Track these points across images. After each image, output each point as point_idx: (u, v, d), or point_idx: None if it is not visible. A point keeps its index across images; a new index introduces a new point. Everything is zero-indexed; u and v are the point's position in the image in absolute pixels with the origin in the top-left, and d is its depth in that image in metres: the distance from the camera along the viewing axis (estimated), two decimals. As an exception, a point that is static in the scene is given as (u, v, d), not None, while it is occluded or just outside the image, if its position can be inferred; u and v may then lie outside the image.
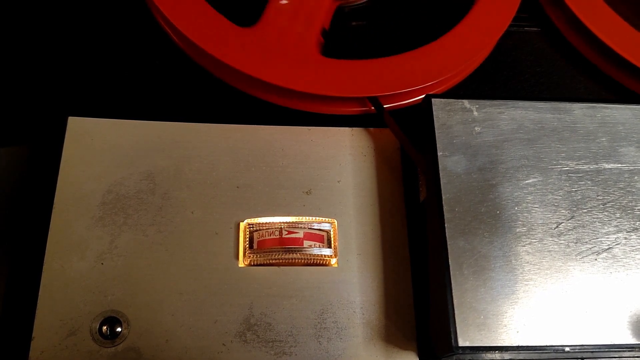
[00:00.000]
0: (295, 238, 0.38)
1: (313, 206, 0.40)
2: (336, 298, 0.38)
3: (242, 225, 0.39)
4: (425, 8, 0.52)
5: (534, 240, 0.36)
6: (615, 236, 0.36)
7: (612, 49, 0.48)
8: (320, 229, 0.39)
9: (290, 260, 0.38)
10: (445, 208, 0.36)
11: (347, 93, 0.42)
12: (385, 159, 0.42)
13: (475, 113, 0.39)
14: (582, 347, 0.34)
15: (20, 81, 0.45)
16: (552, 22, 0.52)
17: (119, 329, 0.36)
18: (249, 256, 0.38)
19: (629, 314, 0.35)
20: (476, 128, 0.39)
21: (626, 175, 0.38)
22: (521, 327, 0.33)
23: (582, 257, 0.36)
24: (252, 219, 0.39)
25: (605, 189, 0.38)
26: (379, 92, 0.42)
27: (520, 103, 0.40)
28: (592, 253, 0.36)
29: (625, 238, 0.36)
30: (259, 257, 0.38)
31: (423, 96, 0.40)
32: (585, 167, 0.38)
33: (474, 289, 0.34)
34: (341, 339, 0.37)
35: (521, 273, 0.35)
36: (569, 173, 0.38)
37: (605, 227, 0.37)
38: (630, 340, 0.34)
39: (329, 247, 0.39)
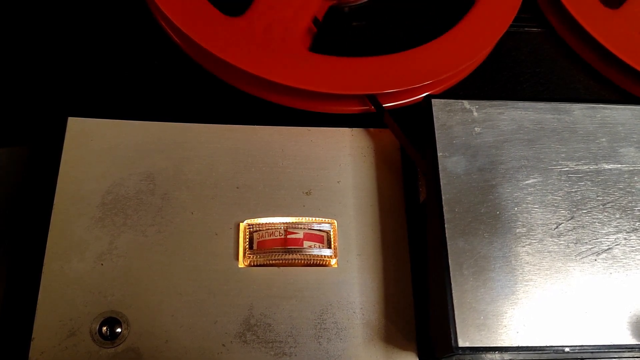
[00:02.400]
0: (295, 239, 0.38)
1: (313, 207, 0.40)
2: (336, 299, 0.38)
3: (241, 225, 0.39)
4: (426, 7, 0.52)
5: (534, 241, 0.36)
6: (615, 237, 0.36)
7: (610, 51, 0.47)
8: (320, 230, 0.39)
9: (290, 261, 0.38)
10: (445, 208, 0.36)
11: (347, 90, 0.42)
12: (385, 160, 0.42)
13: (475, 113, 0.39)
14: (582, 348, 0.34)
15: (20, 81, 0.45)
16: (552, 25, 0.52)
17: (118, 330, 0.36)
18: (249, 257, 0.38)
19: (628, 315, 0.35)
20: (476, 128, 0.39)
21: (626, 176, 0.38)
22: (521, 327, 0.33)
23: (582, 258, 0.36)
24: (252, 220, 0.39)
25: (605, 189, 0.38)
26: (378, 89, 0.42)
27: (520, 103, 0.40)
28: (592, 254, 0.36)
29: (625, 239, 0.36)
30: (259, 257, 0.38)
31: (423, 96, 0.40)
32: (585, 167, 0.38)
33: (474, 289, 0.34)
34: (341, 339, 0.37)
35: (521, 273, 0.35)
36: (568, 174, 0.38)
37: (605, 228, 0.37)
38: (630, 340, 0.34)
39: (329, 247, 0.39)
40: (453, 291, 0.34)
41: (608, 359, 0.36)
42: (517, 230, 0.36)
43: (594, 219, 0.37)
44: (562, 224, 0.36)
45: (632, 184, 0.38)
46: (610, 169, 0.38)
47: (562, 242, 0.36)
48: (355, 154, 0.42)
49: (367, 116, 0.44)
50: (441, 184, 0.36)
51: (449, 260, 0.34)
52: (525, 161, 0.38)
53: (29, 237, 0.38)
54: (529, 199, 0.37)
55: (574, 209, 0.37)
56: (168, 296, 0.37)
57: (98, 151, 0.40)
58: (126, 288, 0.37)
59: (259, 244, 0.38)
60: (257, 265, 0.38)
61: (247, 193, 0.40)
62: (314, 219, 0.40)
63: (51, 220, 0.38)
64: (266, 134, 0.42)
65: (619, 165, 0.38)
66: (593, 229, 0.36)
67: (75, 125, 0.41)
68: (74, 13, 0.48)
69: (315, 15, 0.46)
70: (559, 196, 0.37)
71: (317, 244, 0.39)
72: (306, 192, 0.41)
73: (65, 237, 0.38)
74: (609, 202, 0.37)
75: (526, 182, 0.37)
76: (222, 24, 0.43)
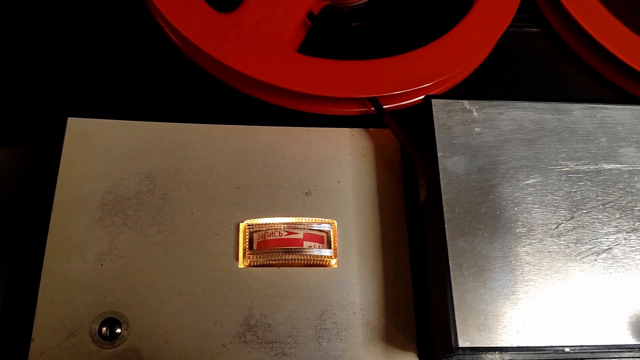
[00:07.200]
0: (295, 239, 0.38)
1: (313, 207, 0.40)
2: (336, 299, 0.38)
3: (241, 226, 0.39)
4: (425, 8, 0.52)
5: (534, 241, 0.36)
6: (614, 237, 0.36)
7: (610, 51, 0.48)
8: (320, 230, 0.39)
9: (290, 261, 0.38)
10: (445, 208, 0.36)
11: (347, 94, 0.42)
12: (385, 160, 0.42)
13: (475, 114, 0.39)
14: (582, 348, 0.34)
15: (21, 82, 0.45)
16: (551, 25, 0.52)
17: (118, 330, 0.36)
18: (249, 257, 0.38)
19: (628, 315, 0.35)
20: (476, 129, 0.39)
21: (626, 176, 0.38)
22: (521, 327, 0.33)
23: (582, 258, 0.36)
24: (252, 220, 0.39)
25: (604, 189, 0.38)
26: (378, 92, 0.42)
27: (520, 104, 0.40)
28: (592, 254, 0.36)
29: (625, 239, 0.36)
30: (259, 257, 0.38)
31: (423, 97, 0.40)
32: (585, 167, 0.38)
33: (474, 289, 0.34)
34: (341, 339, 0.37)
35: (521, 274, 0.35)
36: (568, 173, 0.38)
37: (605, 228, 0.37)
38: (630, 340, 0.34)
39: (329, 247, 0.39)
40: (453, 291, 0.34)
41: (608, 359, 0.36)
42: (517, 230, 0.36)
43: (593, 219, 0.37)
44: (562, 224, 0.36)
45: (631, 184, 0.38)
46: (610, 169, 0.38)
47: (562, 242, 0.36)
48: (355, 154, 0.42)
49: (367, 116, 0.44)
50: (441, 184, 0.36)
51: (449, 260, 0.34)
52: (525, 161, 0.38)
53: (29, 237, 0.38)
54: (529, 199, 0.37)
55: (574, 209, 0.37)
56: (168, 296, 0.37)
57: (98, 151, 0.40)
58: (126, 288, 0.37)
59: (259, 244, 0.38)
60: (257, 266, 0.38)
61: (247, 193, 0.40)
62: (314, 219, 0.40)
63: (51, 220, 0.38)
64: (266, 134, 0.42)
65: (619, 165, 0.38)
66: (593, 229, 0.36)
67: (75, 126, 0.41)
68: (73, 13, 0.48)
69: (310, 10, 0.46)
70: (559, 196, 0.37)
71: (317, 244, 0.39)
72: (306, 192, 0.41)
73: (65, 237, 0.38)
74: (608, 202, 0.37)
75: (526, 182, 0.37)
76: (216, 21, 0.43)
